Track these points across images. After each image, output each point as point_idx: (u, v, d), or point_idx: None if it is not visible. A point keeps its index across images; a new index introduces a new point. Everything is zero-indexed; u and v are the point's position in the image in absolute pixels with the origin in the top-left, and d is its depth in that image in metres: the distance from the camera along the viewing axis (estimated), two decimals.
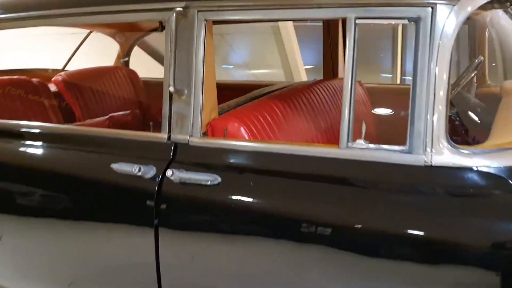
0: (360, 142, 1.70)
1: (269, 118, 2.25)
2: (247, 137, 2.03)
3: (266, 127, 2.19)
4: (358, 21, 1.69)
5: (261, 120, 2.20)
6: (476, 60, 2.72)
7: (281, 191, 1.78)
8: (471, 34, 2.98)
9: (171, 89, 1.95)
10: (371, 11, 1.68)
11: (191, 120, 1.97)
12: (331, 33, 3.35)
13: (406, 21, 1.65)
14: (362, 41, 1.72)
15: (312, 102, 2.63)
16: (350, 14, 1.70)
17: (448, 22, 1.58)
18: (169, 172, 1.88)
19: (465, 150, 1.58)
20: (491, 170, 1.55)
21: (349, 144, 1.71)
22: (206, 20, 1.94)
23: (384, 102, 3.30)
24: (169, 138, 2.01)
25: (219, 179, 1.84)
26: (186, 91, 1.98)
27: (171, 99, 2.00)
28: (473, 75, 2.80)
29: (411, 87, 1.64)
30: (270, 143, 1.93)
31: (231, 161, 1.90)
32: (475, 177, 1.55)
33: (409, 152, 1.63)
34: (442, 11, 1.59)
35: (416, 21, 1.62)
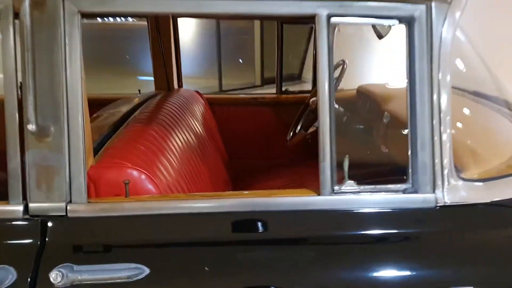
0: (350, 184, 1.24)
1: (171, 157, 1.59)
2: (157, 191, 1.35)
3: (171, 170, 1.53)
4: (333, 20, 1.22)
5: (162, 161, 1.53)
6: (341, 62, 2.51)
7: (254, 273, 1.19)
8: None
9: (32, 127, 1.14)
10: (349, 6, 1.23)
11: (67, 175, 1.19)
12: (161, 35, 2.74)
13: (393, 22, 1.25)
14: None
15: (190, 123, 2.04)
16: (321, 10, 1.22)
17: (448, 21, 1.24)
18: (54, 275, 1.08)
19: (478, 182, 1.28)
20: (504, 203, 1.28)
21: (335, 187, 1.23)
22: (79, 13, 1.19)
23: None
24: (26, 209, 1.18)
25: (146, 271, 1.13)
26: (53, 129, 1.18)
27: (27, 142, 1.17)
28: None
29: (408, 107, 1.26)
30: (209, 197, 1.28)
31: (157, 236, 1.20)
32: (492, 211, 1.27)
33: (415, 191, 1.25)
34: (439, 8, 1.24)
35: (409, 21, 1.24)
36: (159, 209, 1.22)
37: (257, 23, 9.54)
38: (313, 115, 2.51)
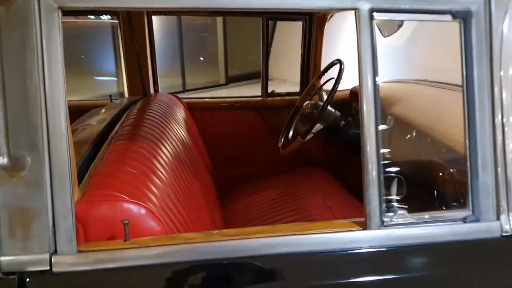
0: (403, 214, 1.02)
1: (164, 176, 1.34)
2: (160, 229, 1.09)
3: (167, 193, 1.28)
4: (376, 16, 1.01)
5: (157, 185, 1.27)
6: (336, 61, 2.30)
7: None
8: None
9: (3, 161, 0.86)
10: (395, 0, 1.01)
11: (49, 218, 0.92)
12: (135, 33, 2.45)
13: (445, 18, 1.04)
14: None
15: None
16: (362, 4, 1.00)
17: (509, 16, 1.04)
18: None
19: None
20: None
21: (384, 219, 1.01)
22: (59, 9, 0.92)
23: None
24: None
25: None
26: (29, 160, 0.91)
27: None
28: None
29: (465, 118, 1.05)
30: (230, 237, 1.03)
31: None
32: None
33: (477, 219, 1.04)
34: (500, 1, 1.04)
35: (465, 17, 1.03)
36: (171, 255, 0.97)
37: (219, 19, 9.26)
38: (309, 120, 2.29)
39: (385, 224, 1.01)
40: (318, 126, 2.17)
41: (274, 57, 9.85)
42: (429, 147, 1.71)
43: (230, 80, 9.39)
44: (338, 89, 2.53)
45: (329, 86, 2.43)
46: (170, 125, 1.93)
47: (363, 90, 1.01)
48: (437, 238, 1.03)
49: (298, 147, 2.20)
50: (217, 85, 9.21)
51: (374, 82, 1.02)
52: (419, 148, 1.75)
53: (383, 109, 2.17)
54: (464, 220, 1.04)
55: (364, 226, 1.02)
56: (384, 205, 1.01)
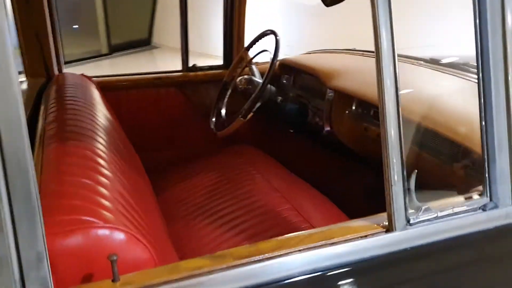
0: (427, 210, 0.92)
1: (120, 178, 1.11)
2: (148, 257, 0.88)
3: (140, 212, 1.05)
4: None
5: (122, 192, 1.04)
6: (269, 32, 2.14)
7: None
8: None
9: None
10: None
11: (15, 270, 0.68)
12: (31, 3, 2.07)
13: None
14: None
15: None
16: None
17: None
18: None
19: None
20: None
21: (410, 218, 0.91)
22: None
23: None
24: None
25: None
26: None
27: None
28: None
29: (480, 97, 0.97)
30: (244, 261, 0.84)
31: None
32: None
33: (495, 206, 0.98)
34: None
35: None
36: None
37: None
38: (244, 97, 2.12)
39: (411, 222, 0.91)
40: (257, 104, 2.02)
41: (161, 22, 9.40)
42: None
43: (114, 49, 8.78)
44: (260, 61, 2.39)
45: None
46: (94, 113, 1.65)
47: (384, 73, 0.87)
48: (461, 230, 0.95)
49: (237, 128, 2.04)
50: (100, 55, 8.56)
51: (394, 62, 0.88)
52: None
53: (323, 83, 2.09)
54: (484, 208, 0.97)
55: (388, 228, 0.90)
56: (409, 203, 0.90)
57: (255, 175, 2.06)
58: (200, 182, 2.11)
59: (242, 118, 1.98)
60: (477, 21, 0.95)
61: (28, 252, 0.68)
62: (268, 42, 2.24)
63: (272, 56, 2.01)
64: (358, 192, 2.23)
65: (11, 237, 0.67)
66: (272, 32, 2.10)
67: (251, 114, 1.99)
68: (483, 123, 0.97)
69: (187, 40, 2.41)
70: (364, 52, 2.26)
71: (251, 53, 2.26)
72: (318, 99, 2.12)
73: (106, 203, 0.97)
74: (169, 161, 2.36)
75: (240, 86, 2.12)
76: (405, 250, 0.90)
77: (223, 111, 2.21)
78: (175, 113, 2.44)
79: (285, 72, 2.38)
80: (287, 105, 2.17)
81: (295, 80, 2.36)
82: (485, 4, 0.93)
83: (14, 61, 0.66)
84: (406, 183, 0.89)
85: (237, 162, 2.21)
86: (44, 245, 0.69)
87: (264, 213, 1.76)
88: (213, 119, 2.24)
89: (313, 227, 1.62)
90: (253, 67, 2.22)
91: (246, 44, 2.34)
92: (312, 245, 0.87)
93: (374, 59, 2.10)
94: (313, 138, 2.29)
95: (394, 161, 0.88)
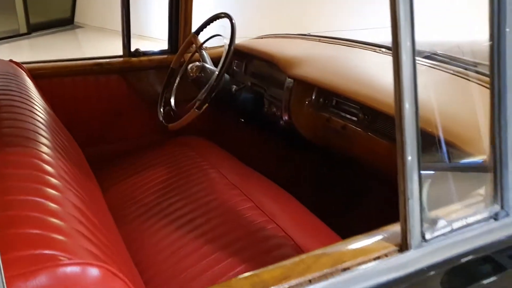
0: (442, 224, 0.83)
1: (83, 201, 0.93)
2: None
3: (103, 230, 0.88)
4: None
5: (86, 220, 0.86)
6: (223, 15, 1.97)
7: None
8: None
9: None
10: None
11: None
12: None
13: None
14: None
15: None
16: None
17: None
18: None
19: None
20: None
21: (426, 233, 0.81)
22: None
23: None
24: None
25: None
26: None
27: None
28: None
29: (494, 94, 0.88)
30: None
31: None
32: None
33: (507, 214, 0.91)
34: None
35: None
36: None
37: None
38: (197, 85, 1.95)
39: (426, 239, 0.81)
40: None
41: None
42: None
43: (34, 29, 8.15)
44: (209, 46, 2.23)
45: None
46: (32, 108, 1.42)
47: (403, 64, 0.75)
48: (476, 242, 0.87)
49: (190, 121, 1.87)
50: (18, 35, 7.92)
51: (413, 53, 0.77)
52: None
53: (282, 70, 1.96)
54: (495, 217, 0.90)
55: (402, 246, 0.80)
56: (425, 218, 0.81)
57: (208, 169, 1.91)
58: (149, 179, 1.93)
59: (197, 110, 1.82)
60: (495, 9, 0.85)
61: None
62: (214, 26, 2.09)
63: (228, 42, 1.85)
64: (316, 184, 2.15)
65: None
66: (226, 15, 1.94)
67: (206, 105, 1.83)
68: (496, 127, 0.88)
69: (129, 22, 2.18)
70: (320, 38, 2.16)
71: (201, 37, 2.10)
72: (275, 88, 2.00)
73: (64, 225, 0.80)
74: (112, 154, 2.15)
75: (191, 74, 1.95)
76: (422, 270, 0.80)
77: (172, 101, 2.03)
78: (116, 102, 2.23)
79: (235, 58, 2.23)
80: (242, 94, 2.03)
81: (248, 67, 2.22)
82: None
83: None
84: (422, 197, 0.79)
85: (187, 155, 2.05)
86: None
87: (224, 213, 1.62)
88: (161, 110, 2.06)
89: (278, 226, 1.51)
90: (204, 52, 2.05)
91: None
92: (322, 272, 0.75)
93: (333, 45, 1.99)
94: (269, 129, 2.18)
95: (413, 172, 0.77)
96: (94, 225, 0.95)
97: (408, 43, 0.75)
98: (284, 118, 1.94)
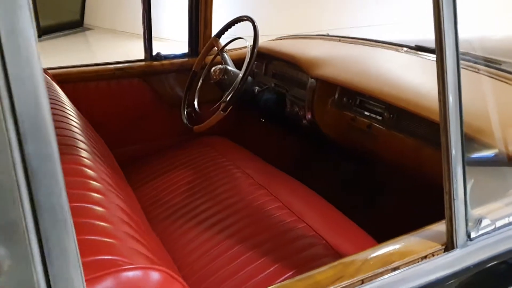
0: (486, 221, 0.85)
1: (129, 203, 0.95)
2: None
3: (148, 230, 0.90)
4: None
5: (137, 225, 0.88)
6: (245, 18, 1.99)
7: None
8: None
9: None
10: None
11: None
12: None
13: None
14: None
15: None
16: None
17: None
18: None
19: None
20: None
21: (471, 232, 0.83)
22: None
23: None
24: None
25: None
26: (4, 255, 0.49)
27: None
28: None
29: None
30: None
31: None
32: None
33: None
34: None
35: None
36: None
37: None
38: (221, 87, 1.98)
39: (471, 237, 0.83)
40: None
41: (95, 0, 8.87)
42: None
43: (44, 32, 8.20)
44: (230, 48, 2.25)
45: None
46: (66, 114, 1.45)
47: (448, 64, 0.77)
48: None
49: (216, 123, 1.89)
50: None
51: (457, 51, 0.78)
52: None
53: (304, 71, 1.98)
54: None
55: (448, 245, 0.82)
56: (470, 216, 0.82)
57: (232, 170, 1.94)
58: (174, 180, 1.96)
59: (222, 112, 1.84)
60: None
61: None
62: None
63: (252, 44, 1.87)
64: (340, 183, 2.16)
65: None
66: (248, 18, 1.96)
67: (231, 106, 1.86)
68: None
69: (151, 26, 2.21)
70: (341, 38, 2.17)
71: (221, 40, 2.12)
72: (297, 88, 2.02)
73: (113, 229, 0.83)
74: (135, 157, 2.18)
75: (214, 76, 1.97)
76: (468, 268, 0.82)
77: (195, 103, 2.05)
78: (139, 106, 2.25)
79: (255, 59, 2.25)
80: (264, 95, 2.05)
81: (268, 68, 2.24)
82: None
83: None
84: (467, 196, 0.81)
85: (210, 156, 2.08)
86: None
87: (252, 213, 1.64)
88: (185, 112, 2.08)
89: (308, 225, 1.52)
90: (225, 55, 2.07)
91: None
92: (373, 273, 0.77)
93: (354, 45, 2.00)
94: (291, 129, 2.20)
95: (458, 173, 0.79)
96: (139, 226, 0.97)
97: (452, 42, 0.76)
98: (307, 117, 1.96)
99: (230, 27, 2.07)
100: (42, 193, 0.50)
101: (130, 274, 0.69)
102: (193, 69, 2.14)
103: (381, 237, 0.92)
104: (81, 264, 0.53)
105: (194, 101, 2.06)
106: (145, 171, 2.06)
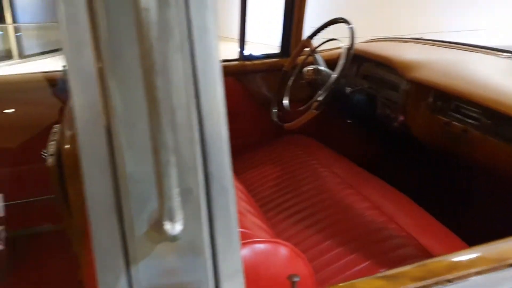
0: None
1: None
2: (309, 273, 0.81)
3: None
4: None
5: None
6: (341, 20, 2.04)
7: None
8: None
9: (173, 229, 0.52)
10: None
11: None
12: None
13: None
14: None
15: None
16: None
17: None
18: None
19: None
20: None
21: None
22: None
23: None
24: None
25: None
26: (181, 216, 0.58)
27: None
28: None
29: None
30: None
31: None
32: None
33: None
34: None
35: None
36: None
37: None
38: (312, 87, 2.04)
39: None
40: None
41: None
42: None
43: None
44: (319, 49, 2.30)
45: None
46: None
47: None
48: None
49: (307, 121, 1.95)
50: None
51: None
52: None
53: (399, 73, 1.99)
54: None
55: None
56: None
57: (318, 168, 1.98)
58: (263, 174, 2.04)
59: (314, 111, 1.90)
60: None
61: (225, 273, 0.61)
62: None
63: (347, 46, 1.91)
64: (430, 186, 2.15)
65: (209, 262, 0.60)
66: (344, 20, 2.00)
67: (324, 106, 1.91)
68: None
69: (245, 28, 2.31)
70: (435, 42, 2.16)
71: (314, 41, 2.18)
72: (389, 90, 2.03)
73: (237, 205, 0.90)
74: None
75: (306, 77, 2.03)
76: None
77: (286, 102, 2.13)
78: (232, 103, 2.36)
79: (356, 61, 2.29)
80: (355, 96, 2.09)
81: (359, 69, 2.27)
82: None
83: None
84: None
85: (295, 154, 2.14)
86: (240, 260, 0.62)
87: (341, 211, 1.68)
88: (275, 111, 2.16)
89: (400, 226, 1.54)
90: (317, 56, 2.13)
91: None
92: (487, 267, 0.80)
93: (450, 49, 1.97)
94: (379, 131, 2.21)
95: None
96: (251, 204, 1.05)
97: None
98: (399, 120, 1.97)
99: (324, 29, 2.12)
100: (213, 166, 0.58)
101: (262, 246, 0.77)
102: (283, 69, 2.22)
103: (473, 242, 0.94)
104: (238, 225, 0.60)
105: (284, 100, 2.13)
106: (235, 165, 2.16)
